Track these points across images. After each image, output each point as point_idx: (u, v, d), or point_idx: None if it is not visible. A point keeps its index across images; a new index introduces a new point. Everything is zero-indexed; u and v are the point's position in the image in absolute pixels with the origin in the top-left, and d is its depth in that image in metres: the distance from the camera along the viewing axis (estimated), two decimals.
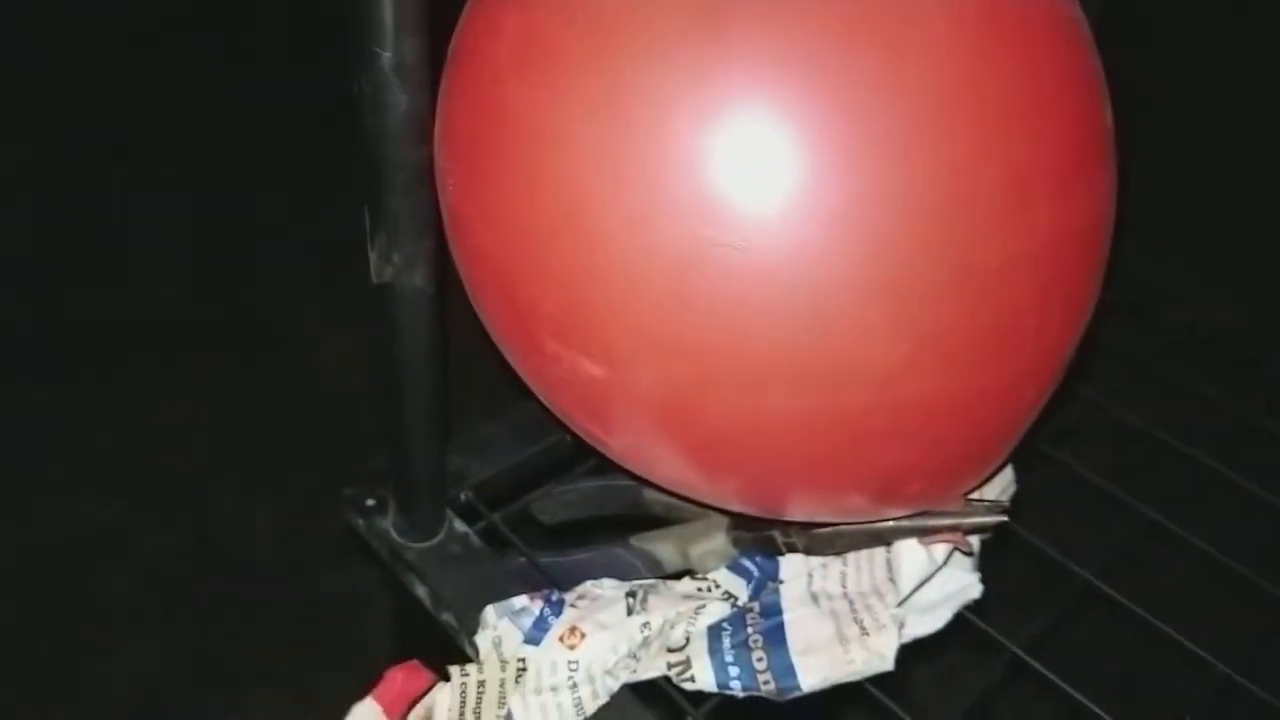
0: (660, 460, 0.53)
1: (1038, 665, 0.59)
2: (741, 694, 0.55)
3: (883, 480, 0.52)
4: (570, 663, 0.55)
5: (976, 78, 0.44)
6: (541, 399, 0.57)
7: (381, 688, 0.55)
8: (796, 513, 0.55)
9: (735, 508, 0.56)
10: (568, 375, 0.50)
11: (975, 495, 0.58)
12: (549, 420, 0.73)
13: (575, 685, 0.55)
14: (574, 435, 0.58)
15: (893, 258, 0.44)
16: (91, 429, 1.67)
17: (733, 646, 0.56)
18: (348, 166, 0.53)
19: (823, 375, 0.46)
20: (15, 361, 1.79)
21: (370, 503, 0.66)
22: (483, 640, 0.57)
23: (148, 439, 1.67)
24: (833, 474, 0.51)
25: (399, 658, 0.57)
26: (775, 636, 0.56)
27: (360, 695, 0.55)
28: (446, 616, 0.61)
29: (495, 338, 0.56)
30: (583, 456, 0.72)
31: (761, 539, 0.61)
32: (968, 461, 0.54)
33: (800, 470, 0.51)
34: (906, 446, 0.49)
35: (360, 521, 0.66)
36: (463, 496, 0.68)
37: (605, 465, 0.71)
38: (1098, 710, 0.57)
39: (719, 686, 0.55)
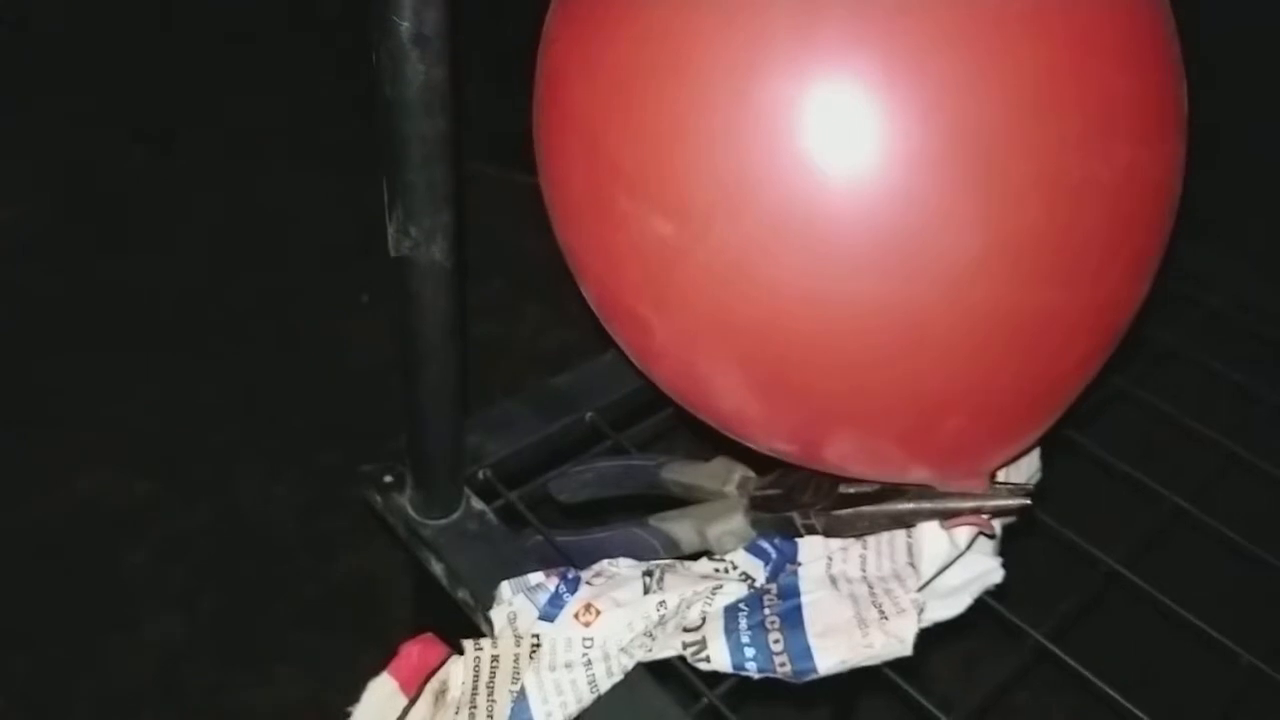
0: (707, 353, 0.52)
1: (1060, 652, 0.58)
2: (757, 675, 0.54)
3: (925, 405, 0.51)
4: (585, 640, 0.55)
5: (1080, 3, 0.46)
6: (594, 288, 0.56)
7: (397, 662, 0.55)
8: (830, 450, 0.54)
9: (768, 434, 0.56)
10: (635, 238, 0.50)
11: (1000, 478, 0.57)
12: (568, 399, 0.73)
13: (590, 662, 0.54)
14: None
15: (978, 148, 0.44)
16: (116, 406, 1.69)
17: (749, 627, 0.55)
18: (373, 149, 0.53)
19: (894, 260, 0.46)
20: (42, 339, 1.81)
21: (388, 479, 0.66)
22: (498, 615, 0.57)
23: (173, 417, 1.69)
24: (880, 384, 0.50)
25: (416, 632, 0.57)
26: (793, 618, 0.55)
27: (377, 670, 0.55)
28: (462, 593, 0.60)
29: (560, 214, 0.56)
30: (601, 436, 0.72)
31: (780, 520, 0.60)
32: (1008, 411, 0.53)
33: (849, 373, 0.50)
34: (959, 362, 0.49)
35: (377, 497, 0.66)
36: (480, 474, 0.68)
37: (624, 445, 0.71)
38: (1120, 699, 0.56)
39: (734, 668, 0.54)
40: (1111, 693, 0.56)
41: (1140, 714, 0.55)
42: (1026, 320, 0.48)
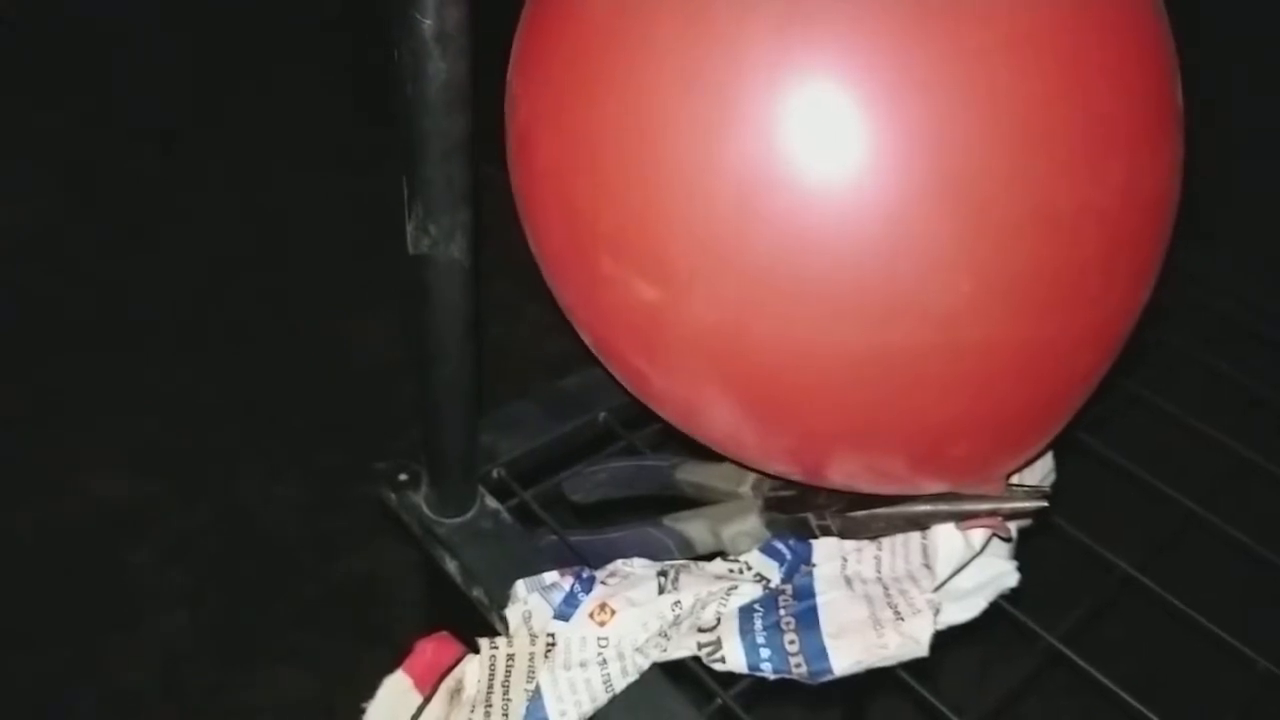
0: (704, 398, 0.52)
1: (1074, 656, 0.58)
2: (772, 676, 0.54)
3: (930, 436, 0.51)
4: (600, 639, 0.55)
5: (1066, 20, 0.44)
6: (587, 336, 0.56)
7: (411, 659, 0.55)
8: (836, 473, 0.54)
9: (772, 462, 0.55)
10: (620, 299, 0.49)
11: (1014, 480, 0.57)
12: (582, 399, 0.73)
13: (605, 661, 0.54)
14: (614, 378, 0.57)
15: (965, 187, 0.43)
16: (117, 406, 1.69)
17: (764, 628, 0.55)
18: (381, 149, 0.53)
19: (883, 307, 0.45)
20: (44, 339, 1.80)
21: (402, 477, 0.66)
22: (513, 614, 0.57)
23: (174, 417, 1.69)
24: (881, 421, 0.50)
25: (426, 632, 0.57)
26: (808, 619, 0.55)
27: (389, 670, 0.55)
28: (477, 592, 0.60)
29: (548, 269, 0.55)
30: (615, 436, 0.72)
31: (795, 521, 0.60)
32: (1016, 429, 0.53)
33: (848, 414, 0.50)
34: (959, 397, 0.48)
35: (392, 495, 0.66)
36: (495, 473, 0.68)
37: (637, 446, 0.71)
38: (1134, 703, 0.56)
39: (750, 668, 0.54)
40: (1125, 696, 0.56)
41: (1152, 717, 0.55)
42: (1024, 349, 0.48)
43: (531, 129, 0.52)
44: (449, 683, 0.54)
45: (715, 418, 0.53)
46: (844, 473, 0.54)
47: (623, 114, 0.46)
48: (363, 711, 0.54)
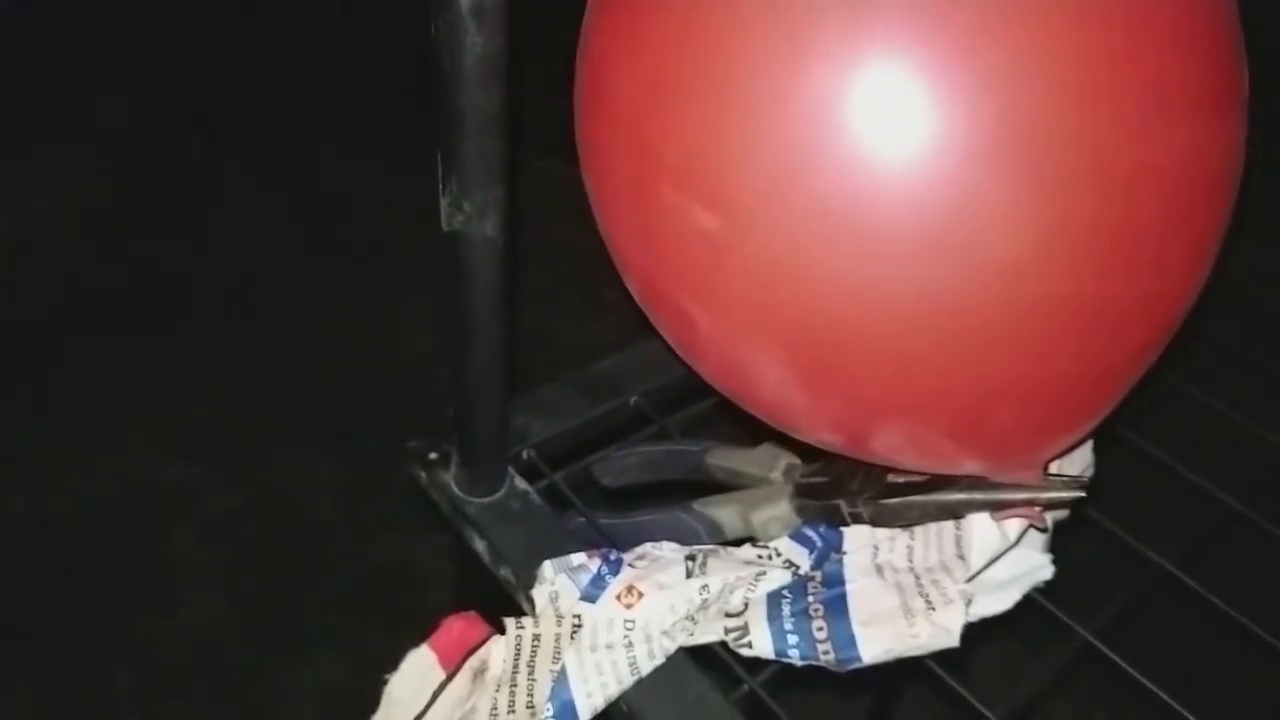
0: (752, 349, 0.52)
1: (1109, 652, 0.57)
2: (800, 663, 0.53)
3: (977, 400, 0.50)
4: (627, 621, 0.54)
5: None
6: (638, 279, 0.55)
7: (437, 635, 0.55)
8: (878, 443, 0.53)
9: (815, 427, 0.55)
10: (679, 231, 0.49)
11: (1053, 469, 0.56)
12: (614, 383, 0.73)
13: (631, 644, 0.54)
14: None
15: (1033, 134, 0.43)
16: (160, 388, 1.71)
17: (792, 614, 0.55)
18: (425, 138, 0.53)
19: (943, 251, 0.45)
20: (92, 323, 1.83)
21: (433, 455, 0.66)
22: (539, 594, 0.57)
23: (216, 400, 1.70)
24: (930, 380, 0.49)
25: (457, 612, 0.57)
26: (837, 606, 0.55)
27: (417, 645, 0.55)
28: (504, 571, 0.60)
29: (603, 206, 0.55)
30: (646, 420, 0.71)
31: (826, 508, 0.59)
32: (1062, 403, 0.52)
33: (898, 368, 0.49)
34: (1011, 355, 0.48)
35: (422, 474, 0.66)
36: (525, 455, 0.68)
37: (669, 430, 0.70)
38: (1169, 700, 0.55)
39: (777, 654, 0.54)
40: (1160, 693, 0.55)
41: (1189, 715, 0.54)
42: (1080, 311, 0.47)
43: (605, 59, 0.52)
44: (473, 662, 0.54)
45: (761, 372, 0.52)
46: (886, 444, 0.53)
47: (702, 42, 0.46)
48: (385, 683, 0.54)
